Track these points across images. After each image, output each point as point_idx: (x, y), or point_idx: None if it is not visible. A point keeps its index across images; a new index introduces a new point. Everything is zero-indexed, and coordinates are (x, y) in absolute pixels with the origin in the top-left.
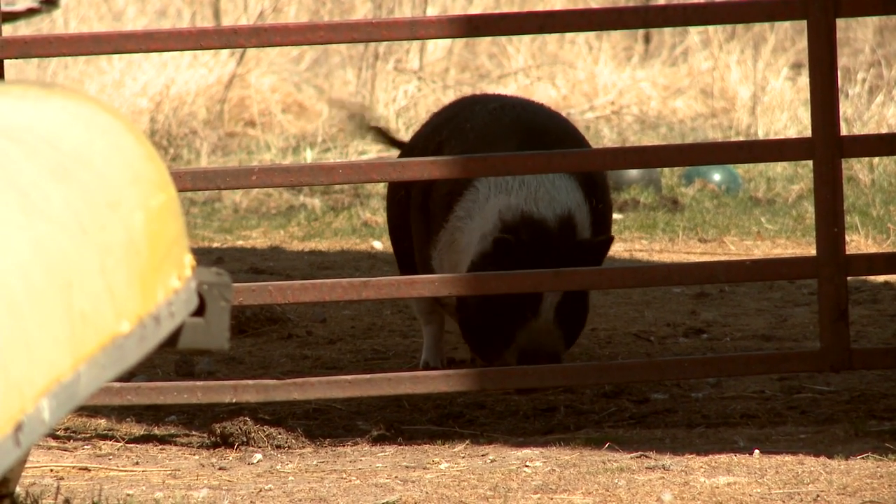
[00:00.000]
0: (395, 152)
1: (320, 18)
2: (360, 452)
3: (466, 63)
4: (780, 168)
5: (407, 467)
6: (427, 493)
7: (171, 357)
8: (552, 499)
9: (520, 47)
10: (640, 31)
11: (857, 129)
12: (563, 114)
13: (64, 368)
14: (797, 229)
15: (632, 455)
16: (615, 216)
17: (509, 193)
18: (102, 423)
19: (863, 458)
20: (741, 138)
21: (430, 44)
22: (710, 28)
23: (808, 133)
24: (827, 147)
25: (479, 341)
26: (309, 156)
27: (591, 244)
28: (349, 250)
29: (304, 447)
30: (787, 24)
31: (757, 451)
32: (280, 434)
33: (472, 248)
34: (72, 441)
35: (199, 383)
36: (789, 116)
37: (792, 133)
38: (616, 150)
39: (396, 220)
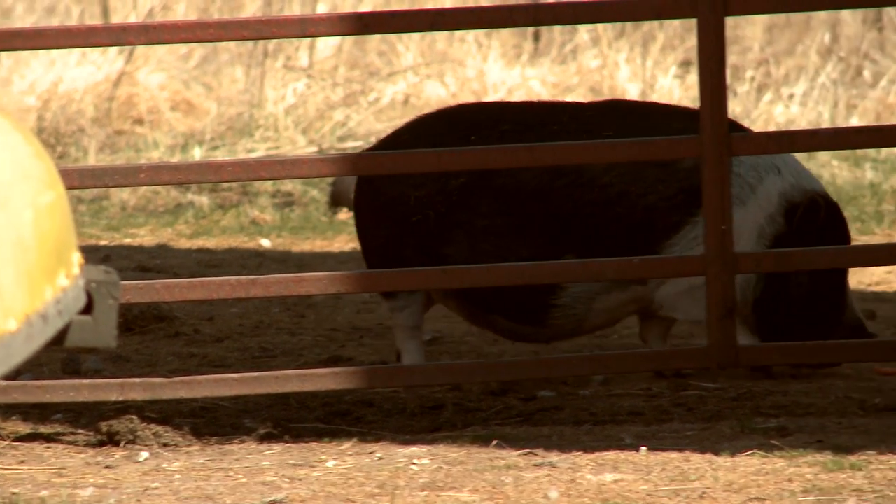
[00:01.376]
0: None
1: (210, 16)
2: (247, 451)
3: (356, 61)
4: None
5: (294, 465)
6: (314, 490)
7: (57, 355)
8: (439, 496)
9: (409, 45)
10: (530, 30)
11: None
12: None
13: None
14: None
15: (519, 452)
16: None
17: (780, 173)
18: None
19: (748, 454)
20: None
21: (320, 41)
22: (600, 26)
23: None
24: (715, 145)
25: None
26: (197, 154)
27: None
28: (237, 248)
29: (190, 445)
30: (676, 22)
31: (644, 449)
32: (167, 432)
33: (751, 234)
34: None
35: (85, 381)
36: None
37: None
38: (506, 148)
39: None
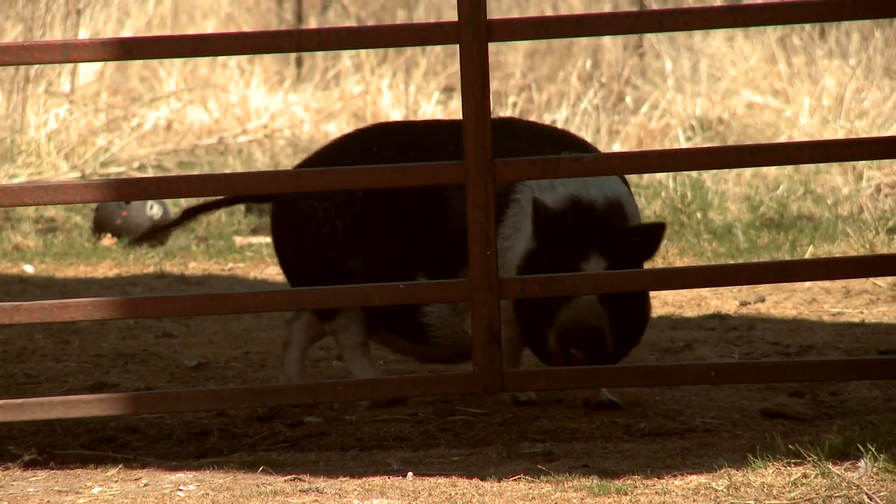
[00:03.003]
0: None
1: None
2: (11, 477)
3: (118, 86)
4: None
5: (59, 492)
6: None
7: None
8: None
9: (172, 70)
10: (293, 55)
11: None
12: (216, 138)
13: None
14: None
15: (286, 478)
16: None
17: (555, 189)
18: None
19: (515, 479)
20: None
21: (82, 67)
22: (363, 52)
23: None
24: (479, 170)
25: (526, 327)
26: None
27: (644, 228)
28: None
29: None
30: (438, 48)
31: (410, 474)
32: None
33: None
34: None
35: None
36: None
37: None
38: (270, 173)
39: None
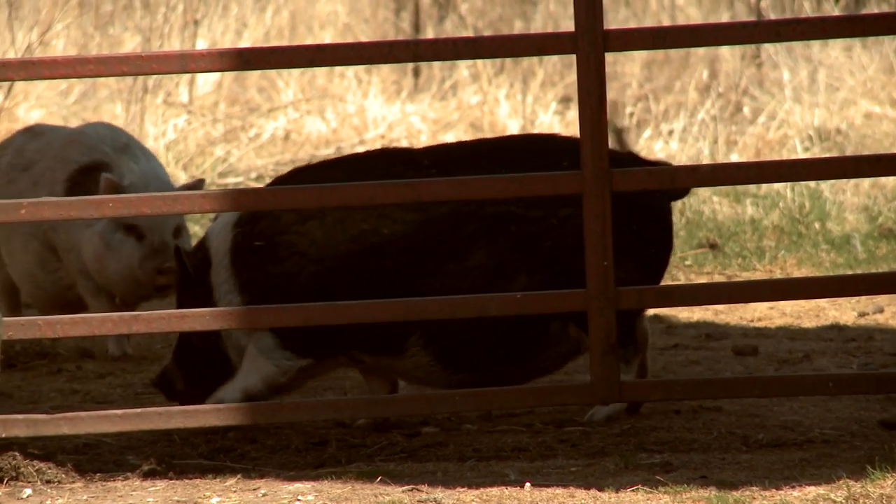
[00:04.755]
0: None
1: (89, 52)
2: (130, 487)
3: (236, 96)
4: None
5: (178, 502)
6: None
7: None
8: None
9: (289, 81)
10: (410, 65)
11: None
12: (333, 148)
13: None
14: None
15: (403, 489)
16: None
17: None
18: None
19: (633, 490)
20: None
21: (200, 77)
22: (479, 62)
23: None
24: (597, 180)
25: None
26: None
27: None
28: None
29: (74, 482)
30: (555, 58)
31: (528, 484)
32: (50, 469)
33: None
34: None
35: None
36: None
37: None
38: (387, 184)
39: None
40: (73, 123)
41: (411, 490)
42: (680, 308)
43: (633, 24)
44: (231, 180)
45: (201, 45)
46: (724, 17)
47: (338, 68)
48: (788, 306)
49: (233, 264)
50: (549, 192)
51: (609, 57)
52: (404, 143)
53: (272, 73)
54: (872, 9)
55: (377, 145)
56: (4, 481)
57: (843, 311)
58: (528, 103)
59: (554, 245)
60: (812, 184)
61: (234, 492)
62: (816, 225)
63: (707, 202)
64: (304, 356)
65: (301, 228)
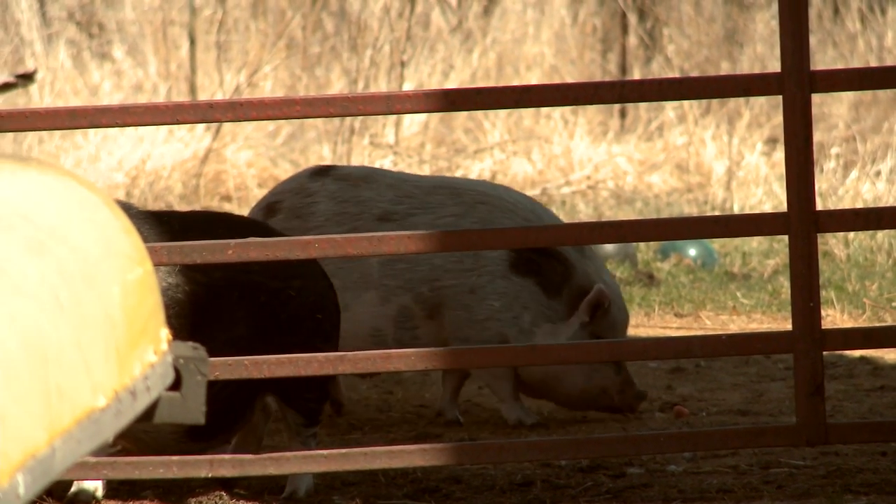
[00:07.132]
0: None
1: (296, 93)
2: None
3: (442, 138)
4: (755, 242)
5: None
6: None
7: None
8: None
9: (496, 122)
10: (616, 106)
11: (832, 204)
12: (539, 189)
13: (39, 443)
14: (773, 304)
15: None
16: None
17: None
18: None
19: None
20: (717, 213)
21: (406, 118)
22: (686, 103)
23: (783, 208)
24: (802, 222)
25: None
26: None
27: None
28: None
29: None
30: (761, 99)
31: None
32: None
33: None
34: None
35: (174, 458)
36: (764, 191)
37: (767, 208)
38: (593, 224)
39: None
40: (281, 165)
41: None
42: (887, 350)
43: (840, 65)
44: None
45: (408, 86)
46: None
47: (544, 109)
48: None
49: None
50: (753, 234)
51: (816, 98)
52: (610, 185)
53: (479, 114)
54: None
55: (583, 187)
56: None
57: None
58: (735, 144)
59: (290, 315)
60: None
61: None
62: None
63: None
64: None
65: None
